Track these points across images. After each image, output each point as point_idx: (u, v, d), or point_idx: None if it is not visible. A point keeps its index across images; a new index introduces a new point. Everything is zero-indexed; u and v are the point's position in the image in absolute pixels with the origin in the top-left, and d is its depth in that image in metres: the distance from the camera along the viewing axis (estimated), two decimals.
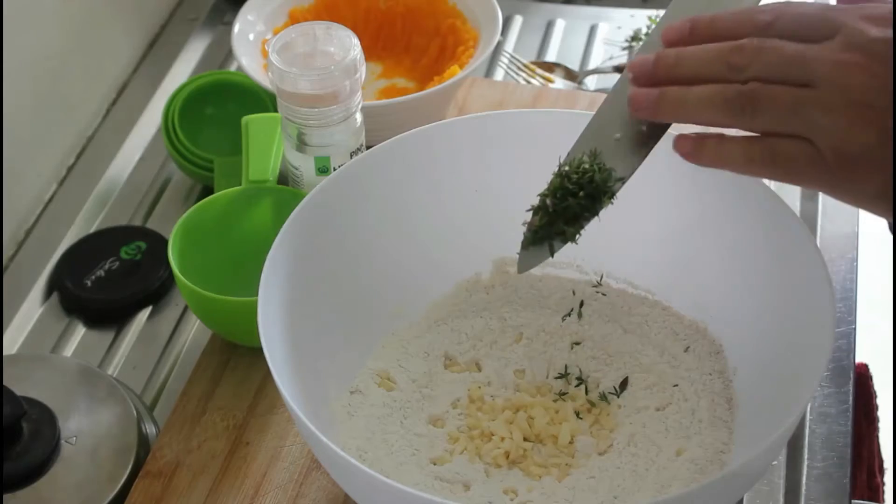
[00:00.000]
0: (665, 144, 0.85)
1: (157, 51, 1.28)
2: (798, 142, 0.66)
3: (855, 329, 0.95)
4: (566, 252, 0.91)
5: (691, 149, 0.70)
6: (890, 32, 0.65)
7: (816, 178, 0.67)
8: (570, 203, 0.73)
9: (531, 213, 0.75)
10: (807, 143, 0.66)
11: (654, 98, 0.70)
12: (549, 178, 0.76)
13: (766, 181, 0.81)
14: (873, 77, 0.64)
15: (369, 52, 1.18)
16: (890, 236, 1.06)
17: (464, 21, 1.16)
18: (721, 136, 0.69)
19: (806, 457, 0.87)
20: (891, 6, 0.67)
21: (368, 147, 0.90)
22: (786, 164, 0.67)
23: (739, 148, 0.68)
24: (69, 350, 0.98)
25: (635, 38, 1.24)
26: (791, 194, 1.04)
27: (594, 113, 0.76)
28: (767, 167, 0.68)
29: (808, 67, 0.65)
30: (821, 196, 1.05)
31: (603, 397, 0.86)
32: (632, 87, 0.72)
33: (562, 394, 0.86)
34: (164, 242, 0.98)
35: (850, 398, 0.90)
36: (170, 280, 1.02)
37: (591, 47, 1.24)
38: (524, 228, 0.77)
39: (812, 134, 0.66)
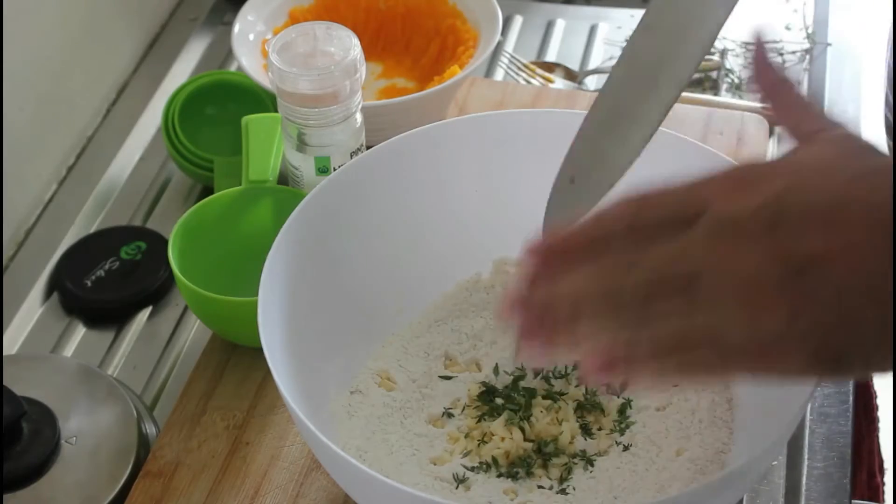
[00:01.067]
0: (665, 144, 0.85)
1: (157, 51, 1.28)
2: (706, 348, 0.58)
3: None
4: None
5: (598, 373, 0.60)
6: (756, 200, 0.57)
7: (734, 372, 0.62)
8: None
9: None
10: (714, 346, 0.58)
11: (544, 353, 0.61)
12: (549, 177, 0.75)
13: None
14: (749, 260, 0.56)
15: (369, 52, 1.18)
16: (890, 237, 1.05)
17: (464, 21, 1.16)
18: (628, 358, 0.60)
19: (806, 457, 0.87)
20: (765, 162, 0.60)
21: (368, 147, 0.90)
22: (698, 371, 0.60)
23: (648, 370, 0.60)
24: (69, 350, 0.98)
25: None
26: None
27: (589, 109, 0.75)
28: (684, 378, 0.63)
29: (684, 272, 0.57)
30: None
31: (603, 397, 0.86)
32: (518, 328, 0.61)
33: (562, 394, 0.86)
34: (164, 242, 0.97)
35: (850, 398, 0.90)
36: (170, 280, 1.02)
37: (591, 47, 1.24)
38: (524, 228, 0.76)
39: (715, 336, 0.58)
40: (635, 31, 0.73)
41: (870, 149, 0.60)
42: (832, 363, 0.57)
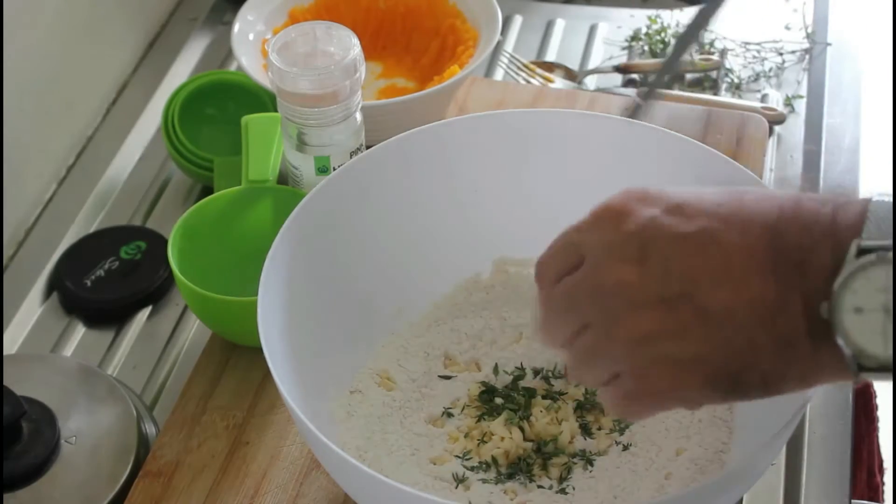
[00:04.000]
0: (665, 144, 0.85)
1: (156, 51, 1.28)
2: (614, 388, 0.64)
3: None
4: None
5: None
6: (623, 231, 0.61)
7: (684, 386, 0.63)
8: None
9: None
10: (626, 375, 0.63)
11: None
12: (549, 177, 0.75)
13: (765, 182, 0.81)
14: (623, 285, 0.60)
15: (369, 52, 1.18)
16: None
17: (464, 21, 1.16)
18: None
19: (806, 457, 0.87)
20: (617, 194, 0.64)
21: (368, 147, 0.90)
22: (614, 405, 0.65)
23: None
24: (69, 350, 0.98)
25: (635, 37, 1.24)
26: None
27: None
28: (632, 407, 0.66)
29: (571, 312, 0.63)
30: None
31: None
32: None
33: (562, 394, 0.86)
34: (164, 242, 0.97)
35: (850, 398, 0.90)
36: (170, 280, 1.02)
37: (590, 47, 1.24)
38: (524, 228, 0.77)
39: (618, 369, 0.63)
40: None
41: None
42: (729, 384, 0.60)
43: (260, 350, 0.75)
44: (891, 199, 0.57)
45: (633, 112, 0.88)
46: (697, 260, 0.59)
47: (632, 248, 0.61)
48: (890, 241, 0.55)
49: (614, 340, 0.61)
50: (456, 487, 0.80)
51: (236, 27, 1.13)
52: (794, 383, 0.60)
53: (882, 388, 1.18)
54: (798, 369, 0.59)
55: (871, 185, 1.07)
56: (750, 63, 1.19)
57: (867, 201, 0.57)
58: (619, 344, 0.61)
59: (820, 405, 0.90)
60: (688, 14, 1.25)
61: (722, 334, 0.58)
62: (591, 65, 1.22)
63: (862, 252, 0.55)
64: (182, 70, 1.24)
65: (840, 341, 0.56)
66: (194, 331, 0.99)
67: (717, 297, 0.58)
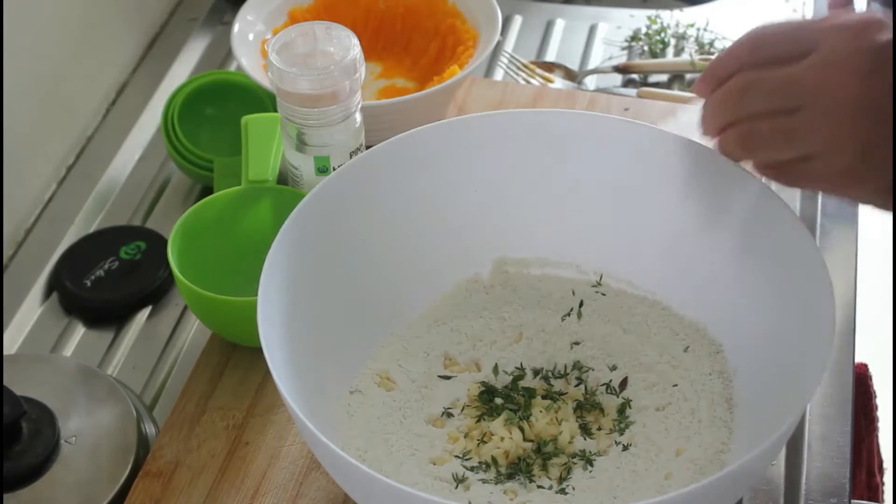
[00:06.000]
0: (665, 144, 0.85)
1: (156, 51, 1.28)
2: (800, 160, 0.73)
3: (855, 329, 0.95)
4: (566, 252, 0.92)
5: (720, 144, 0.80)
6: (863, 43, 0.69)
7: (819, 185, 0.80)
8: None
9: None
10: (808, 160, 0.73)
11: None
12: (549, 177, 0.75)
13: (765, 181, 0.81)
14: (850, 93, 0.69)
15: (369, 52, 1.18)
16: (890, 237, 1.06)
17: (463, 21, 1.16)
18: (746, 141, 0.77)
19: (806, 457, 0.87)
20: (862, 12, 0.72)
21: (368, 147, 0.90)
22: (790, 178, 0.77)
23: (757, 159, 0.78)
24: (69, 350, 0.98)
25: (635, 37, 1.24)
26: (791, 194, 1.04)
27: None
28: (779, 178, 0.77)
29: (791, 94, 0.72)
30: (820, 196, 1.05)
31: (603, 397, 0.86)
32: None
33: (561, 394, 0.86)
34: (164, 242, 0.97)
35: (850, 398, 0.90)
36: (169, 280, 1.02)
37: (590, 47, 1.24)
38: (524, 228, 0.77)
39: (808, 153, 0.73)
40: None
41: None
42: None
43: (260, 350, 0.75)
44: None
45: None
46: None
47: (865, 60, 0.69)
48: None
49: (819, 126, 0.71)
50: (456, 488, 0.80)
51: (236, 27, 1.13)
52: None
53: (882, 388, 1.18)
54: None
55: None
56: None
57: None
58: (822, 131, 0.71)
59: (820, 405, 0.90)
60: (688, 14, 1.25)
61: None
62: (591, 65, 1.22)
63: None
64: (182, 70, 1.24)
65: None
66: (194, 331, 0.99)
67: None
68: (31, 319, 1.01)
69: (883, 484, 1.15)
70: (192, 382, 0.91)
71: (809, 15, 1.24)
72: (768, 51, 0.74)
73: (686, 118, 0.85)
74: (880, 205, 0.74)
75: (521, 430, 0.83)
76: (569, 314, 0.91)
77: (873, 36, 0.70)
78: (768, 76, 0.73)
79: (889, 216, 0.76)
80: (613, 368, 0.87)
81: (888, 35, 0.69)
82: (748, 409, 0.81)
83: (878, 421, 1.14)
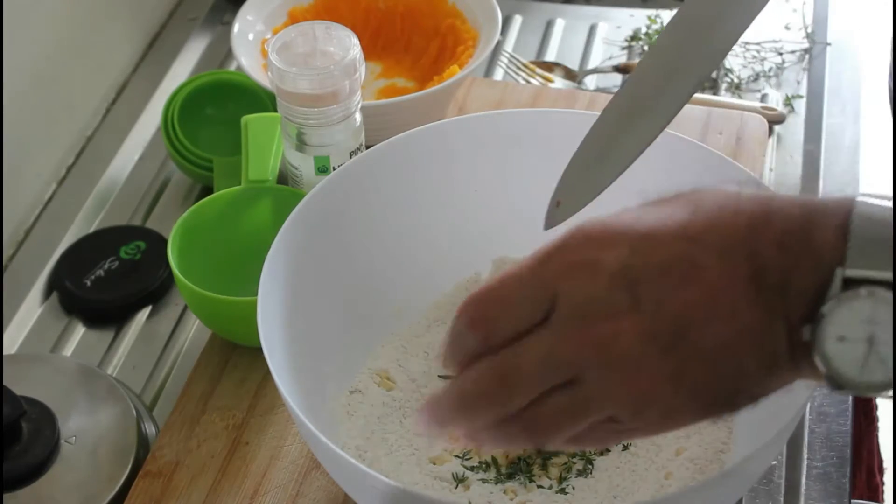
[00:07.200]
0: (665, 144, 0.84)
1: (156, 51, 1.28)
2: (607, 420, 0.59)
3: None
4: None
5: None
6: (605, 278, 0.57)
7: (652, 433, 0.62)
8: None
9: None
10: (611, 430, 0.60)
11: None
12: (549, 177, 0.75)
13: (765, 182, 0.81)
14: (622, 344, 0.56)
15: (369, 52, 1.18)
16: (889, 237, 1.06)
17: (463, 21, 1.16)
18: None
19: (806, 457, 0.87)
20: (595, 225, 0.59)
21: (368, 147, 0.90)
22: (606, 439, 0.64)
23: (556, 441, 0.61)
24: (69, 350, 0.98)
25: (635, 37, 1.24)
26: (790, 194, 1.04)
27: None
28: (593, 444, 0.68)
29: (559, 367, 0.57)
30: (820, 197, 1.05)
31: None
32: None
33: None
34: (164, 242, 0.97)
35: (850, 398, 0.90)
36: (169, 280, 1.02)
37: (590, 47, 1.24)
38: (524, 228, 0.77)
39: (614, 414, 0.59)
40: (664, 28, 0.74)
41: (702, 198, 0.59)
42: (722, 407, 0.59)
43: (260, 350, 0.75)
44: (873, 210, 0.55)
45: None
46: (685, 293, 0.56)
47: (620, 295, 0.56)
48: (875, 273, 0.54)
49: (611, 392, 0.58)
50: (456, 487, 0.80)
51: (236, 27, 1.13)
52: (779, 391, 0.60)
53: None
54: (781, 382, 0.59)
55: (871, 186, 1.07)
56: (750, 63, 1.19)
57: (847, 211, 0.55)
58: (619, 396, 0.58)
59: (820, 405, 0.90)
60: None
61: (715, 367, 0.57)
62: (591, 65, 1.22)
63: (847, 282, 0.54)
64: (182, 70, 1.24)
65: (819, 364, 0.56)
66: (194, 331, 0.99)
67: (709, 331, 0.56)
68: (30, 319, 1.01)
69: (883, 484, 1.15)
70: (192, 382, 0.91)
71: (809, 15, 1.24)
72: (503, 325, 0.58)
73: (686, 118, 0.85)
74: (713, 416, 0.60)
75: None
76: None
77: (605, 263, 0.57)
78: (522, 356, 0.58)
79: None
80: None
81: (618, 252, 0.57)
82: (748, 409, 0.81)
83: (877, 421, 1.14)
